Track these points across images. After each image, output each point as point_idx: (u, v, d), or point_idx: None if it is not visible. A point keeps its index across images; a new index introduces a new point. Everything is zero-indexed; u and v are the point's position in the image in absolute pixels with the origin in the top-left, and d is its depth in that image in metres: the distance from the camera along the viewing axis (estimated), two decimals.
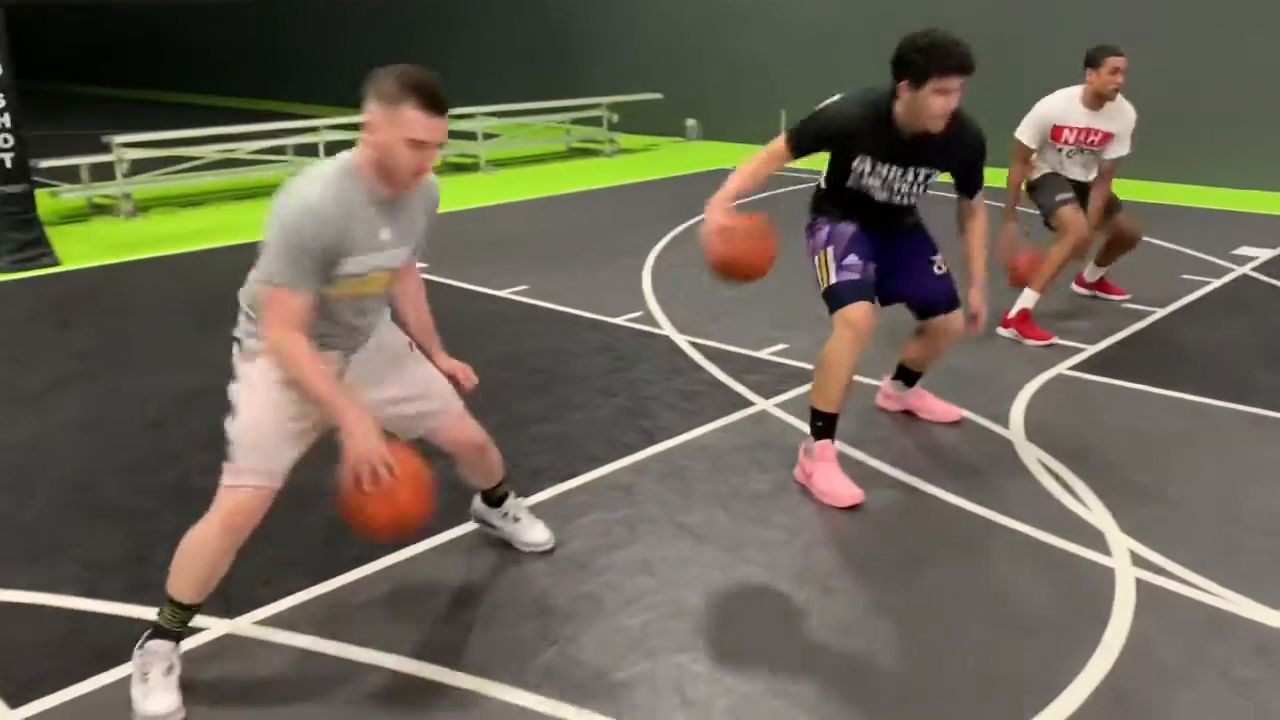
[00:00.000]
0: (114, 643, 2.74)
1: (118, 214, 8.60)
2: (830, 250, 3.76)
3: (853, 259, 3.72)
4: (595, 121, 12.52)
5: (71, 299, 6.31)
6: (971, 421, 4.28)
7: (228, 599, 2.86)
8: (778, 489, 3.69)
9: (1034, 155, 5.42)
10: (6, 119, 6.61)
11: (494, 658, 2.72)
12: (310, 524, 3.33)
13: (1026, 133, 5.36)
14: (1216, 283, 6.44)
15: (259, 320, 2.47)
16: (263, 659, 2.72)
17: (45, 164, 8.48)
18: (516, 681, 2.61)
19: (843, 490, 3.60)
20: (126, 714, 2.47)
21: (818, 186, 3.87)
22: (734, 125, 13.00)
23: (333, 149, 10.14)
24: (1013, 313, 5.36)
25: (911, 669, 2.69)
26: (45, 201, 8.44)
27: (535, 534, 3.30)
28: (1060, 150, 5.38)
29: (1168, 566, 3.14)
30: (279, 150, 9.97)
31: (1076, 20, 10.03)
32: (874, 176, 3.63)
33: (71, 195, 8.61)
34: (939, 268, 3.89)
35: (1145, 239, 5.96)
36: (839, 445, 3.92)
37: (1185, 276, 6.55)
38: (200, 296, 6.18)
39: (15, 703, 2.52)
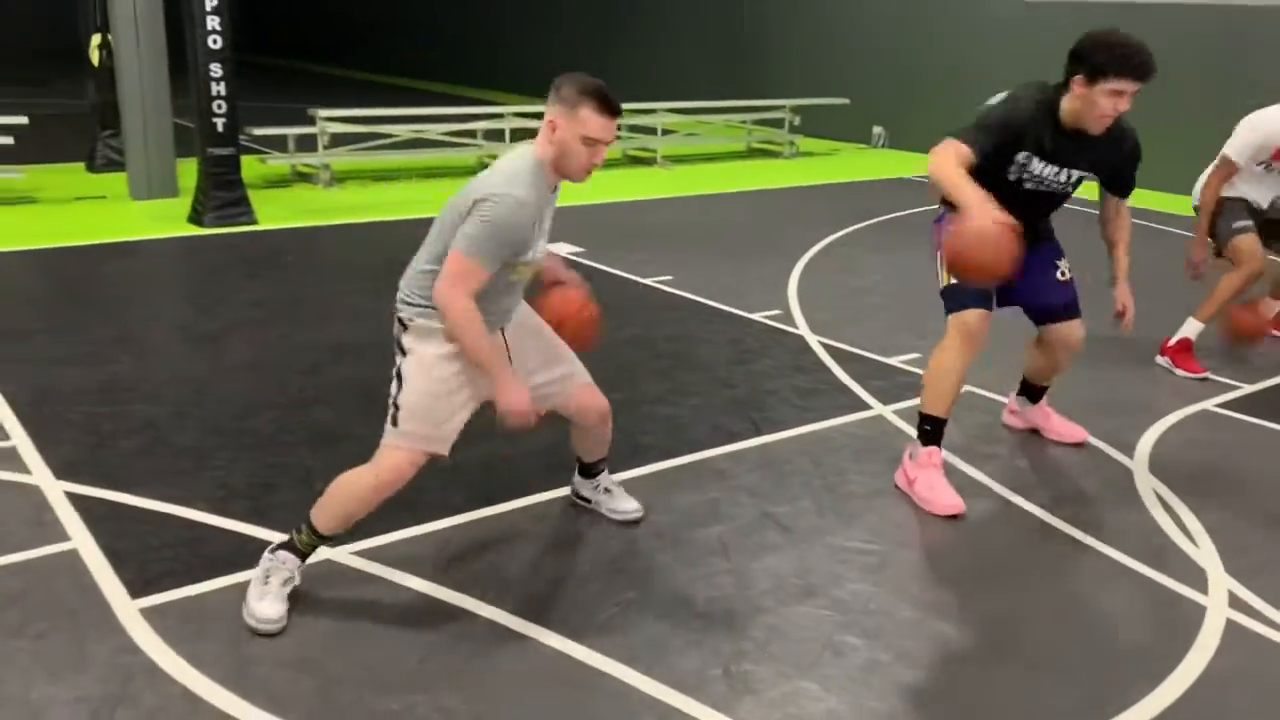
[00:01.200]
0: (229, 555, 3.06)
1: (317, 182, 9.29)
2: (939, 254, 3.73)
3: None
4: (778, 124, 12.54)
5: (263, 255, 6.90)
6: (1095, 446, 4.13)
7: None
8: (875, 491, 3.69)
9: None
10: (222, 87, 7.28)
11: (558, 610, 2.88)
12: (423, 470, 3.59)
13: (1244, 151, 4.92)
14: None
15: (445, 284, 2.71)
16: (350, 586, 2.97)
17: (257, 131, 9.27)
18: (573, 634, 2.76)
19: (943, 498, 3.56)
20: (233, 615, 2.76)
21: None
22: (919, 135, 12.73)
23: (517, 135, 10.61)
24: (1173, 340, 5.10)
25: (959, 682, 2.68)
26: (253, 167, 9.24)
27: (625, 504, 3.46)
28: (1272, 169, 5.02)
29: (1266, 612, 2.97)
30: (469, 134, 10.50)
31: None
32: (1030, 174, 3.57)
33: (277, 162, 9.36)
34: (1063, 274, 3.82)
35: None
36: (949, 455, 3.90)
37: None
38: (377, 262, 6.64)
39: (136, 594, 2.86)
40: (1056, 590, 3.11)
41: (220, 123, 7.34)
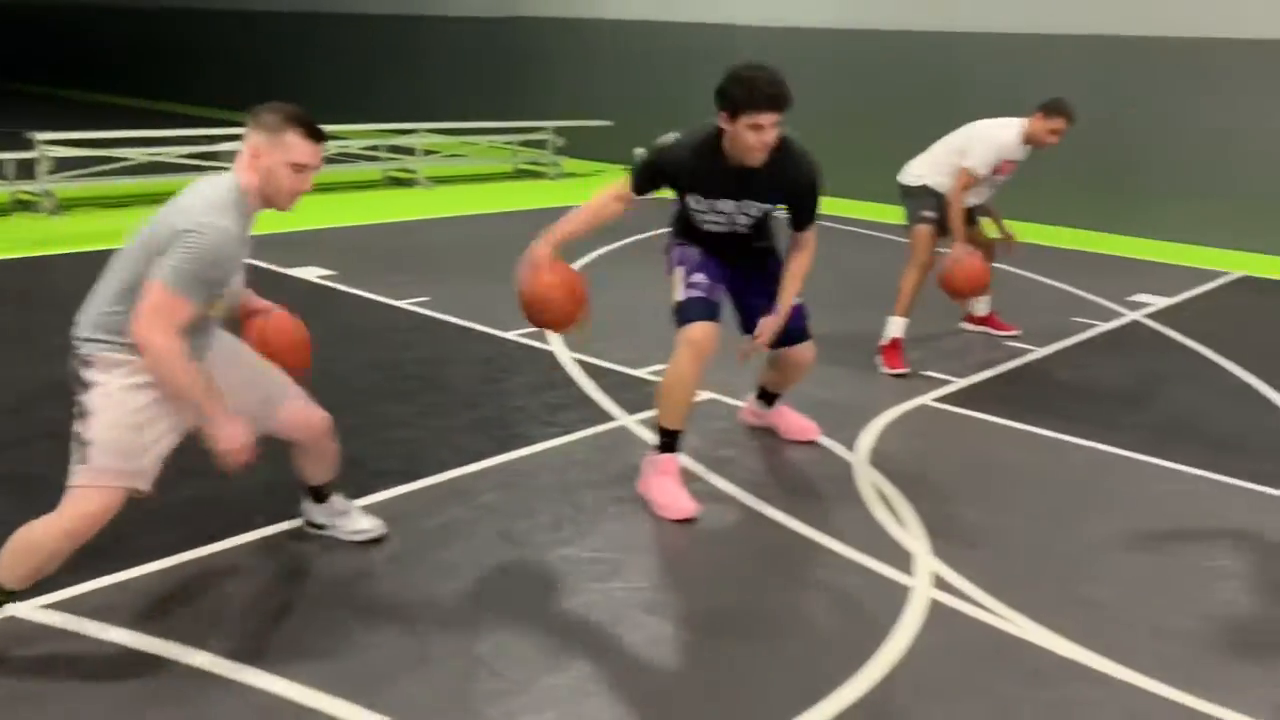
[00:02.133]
0: None
1: (40, 211, 8.58)
2: (681, 270, 3.86)
3: (700, 278, 3.81)
4: (542, 145, 12.62)
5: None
6: (823, 444, 4.34)
7: None
8: (615, 500, 3.73)
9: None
10: None
11: (274, 648, 2.74)
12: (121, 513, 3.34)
13: (983, 165, 5.40)
14: (1105, 326, 6.57)
15: (145, 320, 2.54)
16: (37, 643, 2.72)
17: None
18: (290, 672, 2.63)
19: (676, 504, 3.65)
20: None
21: (678, 209, 3.95)
22: None
23: None
24: (884, 339, 5.45)
25: (678, 683, 2.74)
26: None
27: (363, 521, 3.37)
28: (993, 179, 5.52)
29: (967, 590, 3.20)
30: (212, 156, 9.98)
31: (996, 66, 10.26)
32: (710, 212, 3.72)
33: None
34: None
35: (1045, 280, 6.09)
36: (689, 462, 4.02)
37: (1076, 319, 6.67)
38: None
39: None
40: (779, 585, 3.23)
41: None
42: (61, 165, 8.93)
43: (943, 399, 5.01)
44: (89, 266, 7.07)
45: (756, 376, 4.39)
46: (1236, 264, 8.79)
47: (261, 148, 2.69)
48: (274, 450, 3.04)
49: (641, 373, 5.14)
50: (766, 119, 3.36)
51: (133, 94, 19.73)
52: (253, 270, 7.48)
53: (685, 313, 3.76)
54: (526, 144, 12.86)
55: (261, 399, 2.98)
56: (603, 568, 3.25)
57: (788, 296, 3.82)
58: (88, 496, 2.60)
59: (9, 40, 23.06)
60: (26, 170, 8.71)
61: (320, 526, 3.36)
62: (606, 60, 13.81)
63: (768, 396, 4.41)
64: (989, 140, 5.44)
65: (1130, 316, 6.85)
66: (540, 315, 3.63)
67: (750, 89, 3.34)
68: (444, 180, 11.70)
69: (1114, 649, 2.89)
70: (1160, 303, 7.29)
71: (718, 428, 4.49)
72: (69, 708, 2.47)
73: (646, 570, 3.29)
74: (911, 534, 3.56)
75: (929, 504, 3.80)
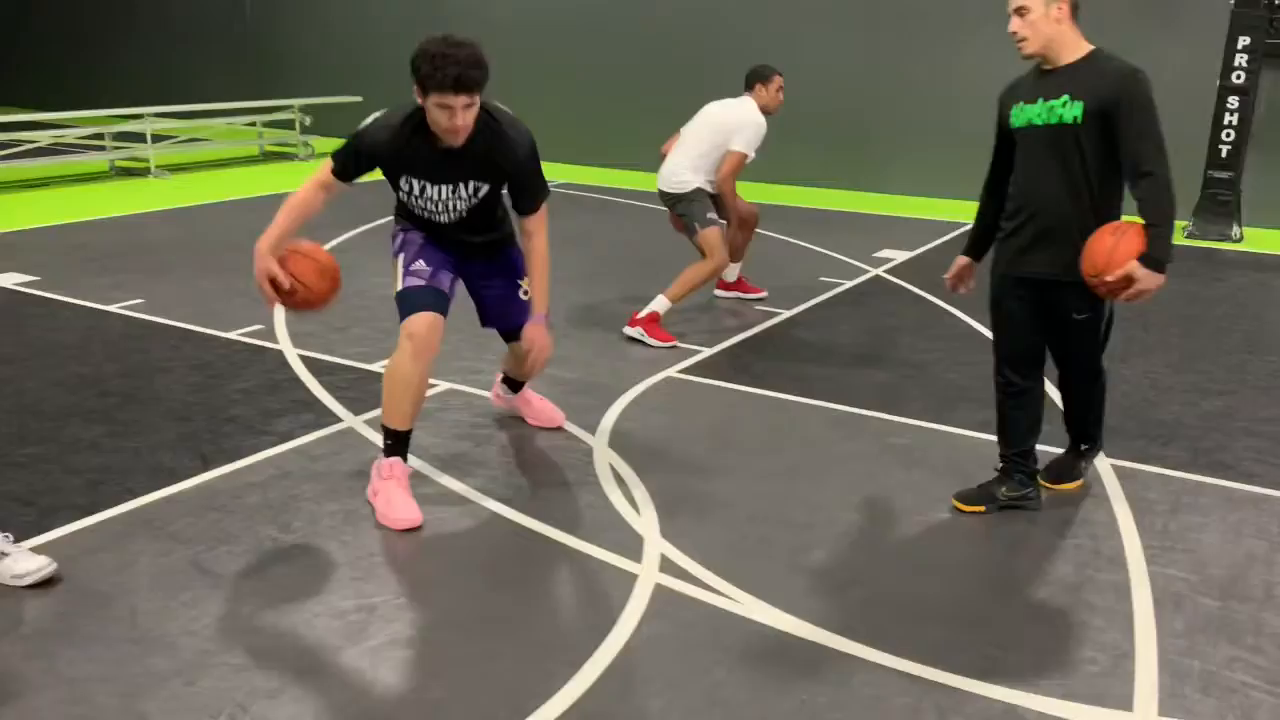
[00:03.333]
0: None
1: None
2: (400, 258, 3.62)
3: (419, 264, 3.57)
4: (289, 125, 11.91)
5: None
6: (567, 428, 4.20)
7: None
8: (331, 513, 3.44)
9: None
10: None
11: None
12: None
13: (751, 146, 5.44)
14: (849, 283, 6.74)
15: None
16: None
17: None
18: None
19: (399, 513, 3.40)
20: None
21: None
22: None
23: None
24: (643, 314, 5.36)
25: (392, 697, 2.51)
26: None
27: (27, 563, 2.95)
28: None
29: (693, 570, 3.12)
30: None
31: (734, 23, 10.40)
32: (423, 197, 3.45)
33: None
34: (525, 293, 3.75)
35: (795, 242, 6.15)
36: (419, 463, 3.79)
37: (824, 278, 6.82)
38: None
39: None
40: (505, 587, 3.04)
41: None
42: None
43: (688, 370, 4.97)
44: None
45: (501, 363, 4.19)
46: (967, 214, 9.27)
47: None
48: None
49: (376, 366, 4.84)
50: (456, 100, 3.09)
51: None
52: None
53: (404, 304, 3.52)
54: (272, 124, 12.11)
55: None
56: (304, 592, 2.97)
57: (540, 291, 3.55)
58: None
59: None
60: None
61: None
62: (352, 30, 13.16)
63: (513, 383, 4.22)
64: (752, 122, 5.47)
65: (872, 273, 7.06)
66: (304, 305, 3.44)
67: (436, 67, 3.04)
68: (183, 168, 10.85)
69: (830, 619, 2.87)
70: (901, 257, 7.57)
71: (455, 420, 4.27)
72: None
73: (359, 587, 3.03)
74: (644, 517, 3.45)
75: (662, 482, 3.71)
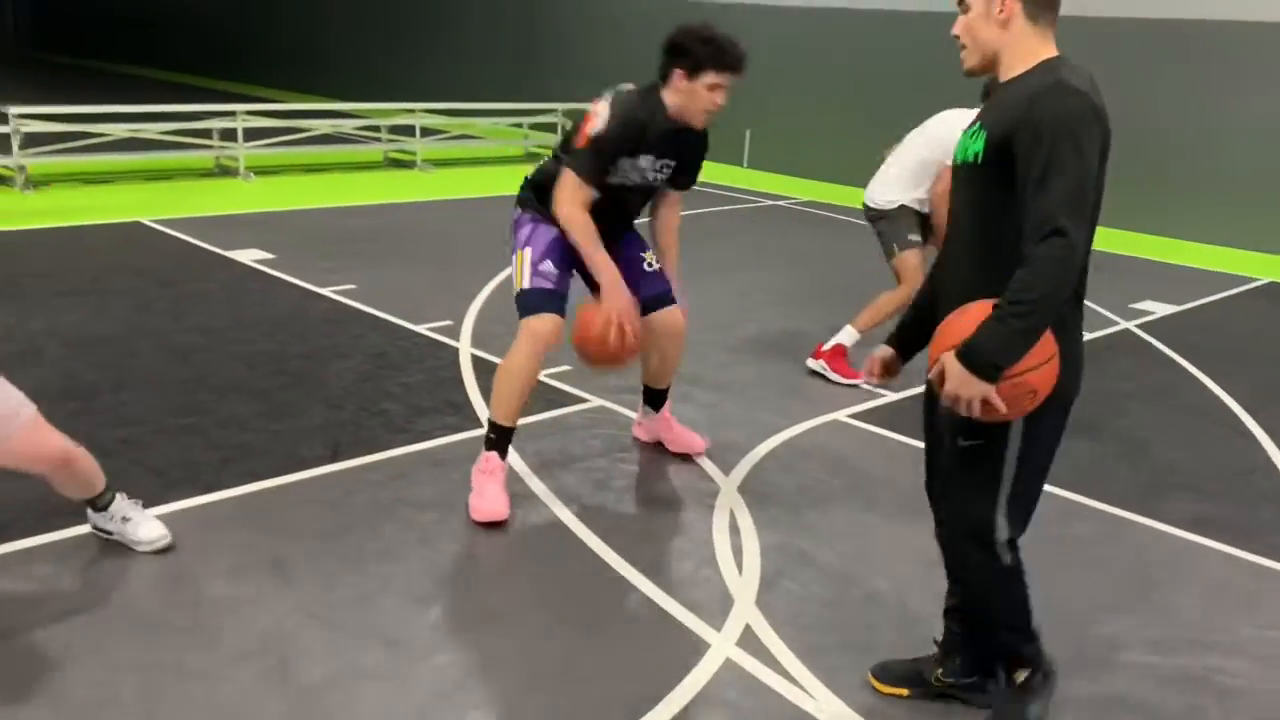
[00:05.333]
0: None
1: (14, 185, 8.48)
2: (529, 252, 3.50)
3: (548, 266, 3.47)
4: (552, 129, 12.25)
5: None
6: (701, 464, 3.89)
7: None
8: (437, 523, 3.34)
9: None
10: None
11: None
12: None
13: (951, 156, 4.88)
14: (1088, 335, 5.92)
15: None
16: None
17: None
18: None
19: (486, 505, 3.36)
20: None
21: (530, 178, 3.61)
22: None
23: (251, 134, 9.99)
24: (828, 346, 4.96)
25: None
26: None
27: (147, 531, 3.05)
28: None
29: (775, 650, 2.73)
30: (204, 133, 9.83)
31: None
32: (634, 171, 3.46)
33: None
34: (650, 264, 3.72)
35: None
36: (537, 479, 3.66)
37: None
38: (3, 273, 6.00)
39: None
40: (567, 624, 2.80)
41: None
42: (38, 140, 8.82)
43: (862, 414, 4.51)
44: (60, 242, 7.01)
45: (641, 377, 3.97)
46: (1251, 267, 8.03)
47: None
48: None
49: (541, 375, 4.71)
50: (727, 80, 3.31)
51: (178, 70, 19.89)
52: (189, 249, 7.31)
53: (531, 303, 3.45)
54: (536, 126, 12.50)
55: None
56: (363, 605, 2.86)
57: (673, 259, 3.76)
58: None
59: (58, 14, 23.49)
60: (3, 145, 8.62)
61: (107, 533, 3.06)
62: (620, 40, 13.36)
63: (653, 398, 3.99)
64: (955, 128, 4.85)
65: (1122, 325, 6.21)
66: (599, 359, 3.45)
67: (719, 48, 3.28)
68: (447, 163, 11.40)
69: None
70: (1162, 310, 6.62)
71: (591, 438, 4.08)
72: None
73: (421, 608, 2.87)
74: (744, 578, 3.10)
75: (780, 540, 3.33)
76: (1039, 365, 2.01)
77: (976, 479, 2.23)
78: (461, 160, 11.67)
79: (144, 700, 2.41)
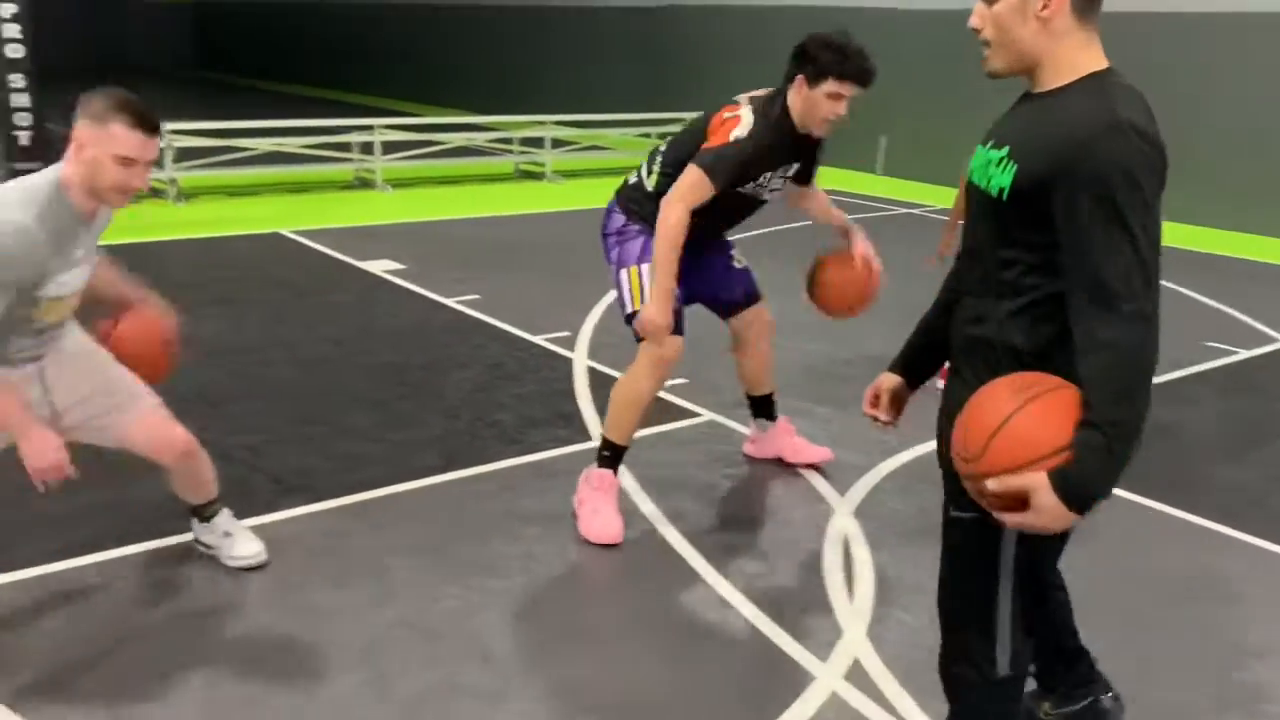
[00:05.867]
0: None
1: (166, 197, 8.95)
2: (646, 269, 3.38)
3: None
4: None
5: None
6: (814, 486, 3.76)
7: None
8: (541, 538, 3.32)
9: None
10: (25, 99, 6.95)
11: (60, 684, 2.51)
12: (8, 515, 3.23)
13: None
14: (1242, 354, 5.54)
15: None
16: None
17: None
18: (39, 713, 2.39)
19: (602, 527, 3.30)
20: None
21: (637, 184, 3.47)
22: (833, 151, 12.47)
23: (390, 148, 10.28)
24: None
25: None
26: None
27: (244, 548, 3.11)
28: None
29: (885, 687, 2.60)
30: (343, 147, 10.17)
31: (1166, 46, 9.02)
32: (757, 186, 3.37)
33: None
34: (737, 261, 3.69)
35: (1185, 292, 5.16)
36: (644, 494, 3.63)
37: (1210, 343, 5.67)
38: (151, 283, 6.30)
39: None
40: (663, 649, 2.73)
41: (23, 136, 7.02)
42: (190, 155, 9.29)
43: None
44: (204, 252, 7.37)
45: (741, 387, 3.88)
46: None
47: (86, 137, 2.43)
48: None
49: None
50: (850, 90, 3.17)
51: (326, 86, 20.73)
52: (325, 260, 7.51)
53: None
54: (665, 136, 12.48)
55: (104, 408, 2.77)
56: (457, 620, 2.85)
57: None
58: None
59: (218, 35, 24.81)
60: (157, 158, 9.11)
61: (207, 546, 3.14)
62: (751, 50, 13.24)
63: (761, 408, 3.90)
64: None
65: (1278, 344, 5.77)
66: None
67: (844, 56, 3.14)
68: (576, 174, 11.50)
69: None
70: None
71: (699, 454, 4.00)
72: None
73: (516, 625, 2.85)
74: (855, 607, 2.96)
75: (896, 569, 3.18)
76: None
77: (968, 564, 1.88)
78: (590, 171, 11.75)
79: (245, 707, 2.45)
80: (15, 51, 6.84)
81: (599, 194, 11.49)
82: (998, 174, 1.72)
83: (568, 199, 10.01)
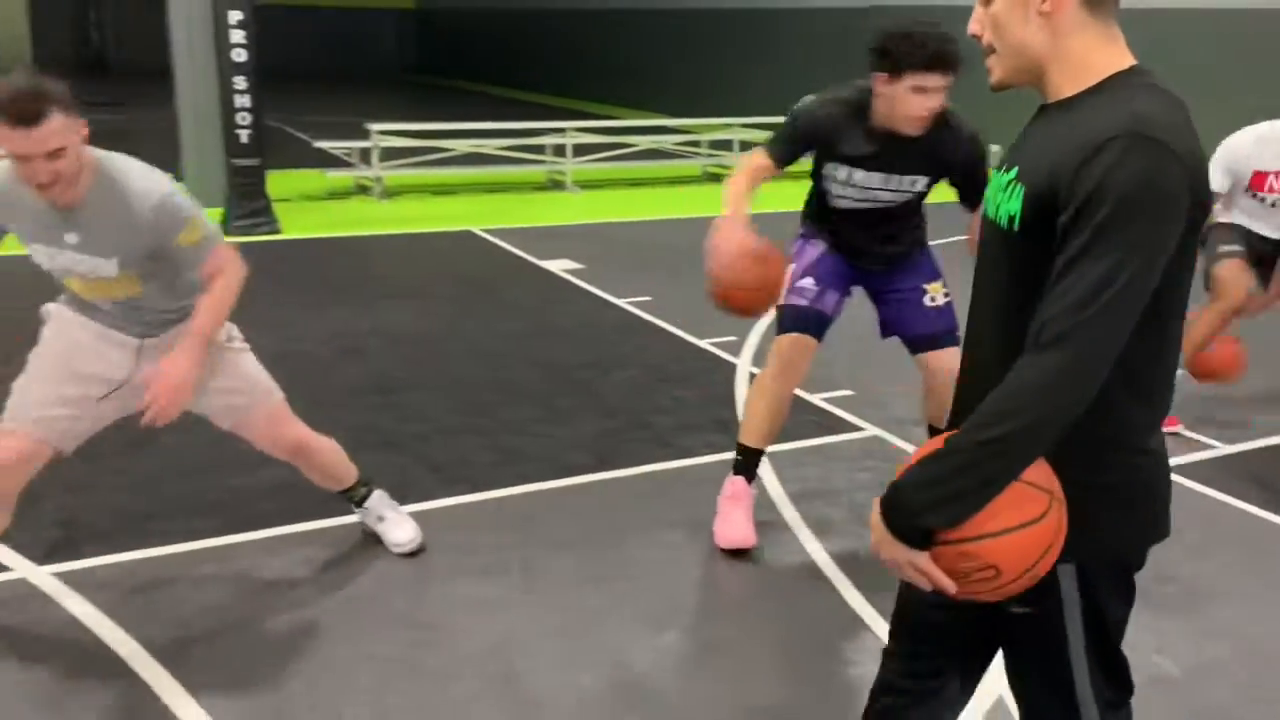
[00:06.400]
0: None
1: (373, 195, 9.46)
2: (793, 268, 3.38)
3: (807, 282, 3.34)
4: None
5: (271, 262, 7.02)
6: None
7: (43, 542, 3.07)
8: (677, 545, 3.30)
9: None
10: (247, 100, 7.48)
11: (210, 657, 2.67)
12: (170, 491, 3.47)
13: (1219, 182, 4.25)
14: None
15: None
16: (36, 613, 2.86)
17: (319, 144, 9.53)
18: (196, 686, 2.55)
19: (733, 532, 3.27)
20: None
21: (811, 189, 3.46)
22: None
23: (580, 150, 10.50)
24: None
25: None
26: (318, 179, 9.53)
27: (397, 534, 3.22)
28: (1263, 199, 4.30)
29: None
30: (536, 149, 10.47)
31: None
32: (848, 185, 3.21)
33: (336, 175, 9.59)
34: (932, 298, 3.39)
35: None
36: (784, 493, 3.54)
37: None
38: (348, 277, 6.66)
39: None
40: (790, 665, 2.65)
41: (244, 134, 7.55)
42: (395, 154, 9.78)
43: (1182, 469, 3.94)
44: (401, 247, 7.75)
45: (921, 412, 3.72)
46: None
47: None
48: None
49: (815, 398, 4.56)
50: (933, 81, 2.89)
51: (530, 89, 21.41)
52: (509, 257, 7.71)
53: (781, 321, 3.34)
54: None
55: (225, 403, 2.85)
56: (598, 615, 2.86)
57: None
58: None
59: (448, 42, 26.03)
60: (366, 158, 9.64)
61: (369, 529, 3.28)
62: (966, 50, 12.75)
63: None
64: (1219, 151, 4.20)
65: None
66: (745, 304, 3.09)
67: (918, 45, 2.88)
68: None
69: None
70: None
71: (859, 472, 3.86)
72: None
73: (635, 635, 2.83)
74: None
75: None
76: (1005, 531, 1.37)
77: (1047, 670, 1.57)
78: (779, 175, 11.63)
79: (375, 691, 2.54)
80: (239, 56, 7.37)
81: (783, 199, 11.30)
82: (1005, 200, 1.48)
83: (752, 203, 9.92)
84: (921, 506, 1.38)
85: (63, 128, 2.34)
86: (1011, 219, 1.45)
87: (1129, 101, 1.38)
